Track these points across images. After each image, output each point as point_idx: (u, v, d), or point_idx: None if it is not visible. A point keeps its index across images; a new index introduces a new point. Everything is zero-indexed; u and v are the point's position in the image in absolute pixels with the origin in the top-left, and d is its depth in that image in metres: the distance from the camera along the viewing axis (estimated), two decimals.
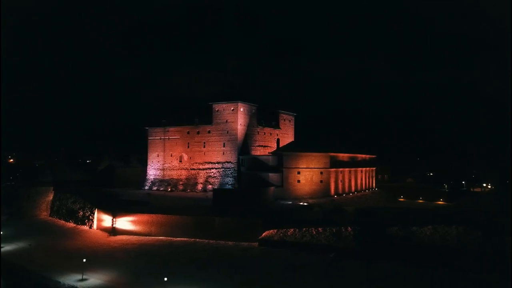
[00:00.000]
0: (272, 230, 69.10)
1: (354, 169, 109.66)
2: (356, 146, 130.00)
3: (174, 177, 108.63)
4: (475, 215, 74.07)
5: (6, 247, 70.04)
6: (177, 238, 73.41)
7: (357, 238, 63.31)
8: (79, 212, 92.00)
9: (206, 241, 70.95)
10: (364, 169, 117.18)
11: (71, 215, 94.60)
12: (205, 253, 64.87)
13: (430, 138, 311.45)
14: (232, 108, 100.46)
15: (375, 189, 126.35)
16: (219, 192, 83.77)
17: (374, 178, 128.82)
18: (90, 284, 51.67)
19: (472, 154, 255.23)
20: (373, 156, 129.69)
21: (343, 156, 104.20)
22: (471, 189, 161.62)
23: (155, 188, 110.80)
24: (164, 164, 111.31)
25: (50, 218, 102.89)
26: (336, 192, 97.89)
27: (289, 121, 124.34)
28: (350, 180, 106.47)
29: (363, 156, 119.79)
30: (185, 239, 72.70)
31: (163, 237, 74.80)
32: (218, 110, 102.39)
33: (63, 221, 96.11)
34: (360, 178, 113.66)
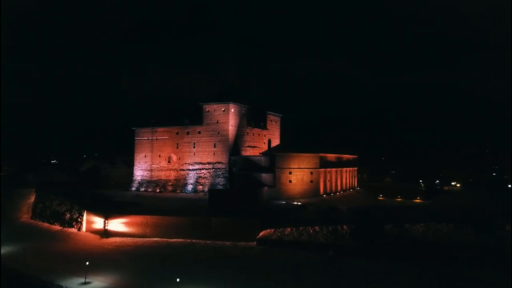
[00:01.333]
0: (269, 230, 70.22)
1: (340, 169, 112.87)
2: (339, 146, 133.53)
3: (163, 178, 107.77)
4: (461, 213, 78.39)
5: None
6: (173, 239, 73.10)
7: (354, 236, 65.68)
8: (66, 214, 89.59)
9: (203, 241, 71.06)
10: (348, 169, 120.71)
11: (56, 218, 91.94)
12: (206, 253, 65.18)
13: (405, 138, 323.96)
14: (223, 109, 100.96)
15: (357, 188, 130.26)
16: (215, 192, 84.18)
17: (356, 178, 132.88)
18: (95, 287, 51.05)
19: (441, 154, 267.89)
20: (355, 156, 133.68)
21: (331, 156, 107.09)
22: (444, 188, 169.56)
23: (142, 189, 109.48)
24: (152, 164, 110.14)
25: (33, 221, 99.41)
26: (325, 192, 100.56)
27: (276, 122, 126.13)
28: (336, 180, 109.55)
29: (348, 156, 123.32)
30: (182, 240, 72.52)
31: (158, 239, 74.26)
32: (208, 110, 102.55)
33: (48, 224, 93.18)
34: (345, 178, 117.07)
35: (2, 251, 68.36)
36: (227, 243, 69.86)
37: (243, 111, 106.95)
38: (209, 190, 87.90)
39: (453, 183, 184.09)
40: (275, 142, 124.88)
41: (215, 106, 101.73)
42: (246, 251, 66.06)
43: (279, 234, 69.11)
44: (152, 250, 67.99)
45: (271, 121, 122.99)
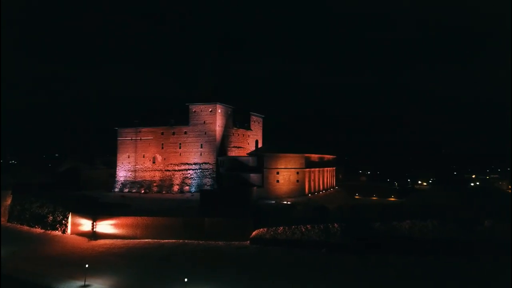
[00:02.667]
0: (262, 229, 71.71)
1: (322, 169, 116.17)
2: (319, 147, 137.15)
3: (147, 179, 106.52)
4: (438, 210, 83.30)
5: None
6: (165, 240, 72.99)
7: (345, 234, 68.51)
8: (49, 217, 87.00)
9: (196, 242, 71.51)
10: (329, 169, 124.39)
11: (37, 220, 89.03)
12: (201, 253, 65.71)
13: (373, 138, 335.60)
14: (210, 110, 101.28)
15: (336, 187, 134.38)
16: (207, 193, 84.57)
17: (334, 178, 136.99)
18: None
19: (407, 154, 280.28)
20: (334, 156, 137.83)
21: (314, 156, 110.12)
22: (414, 187, 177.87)
23: (126, 190, 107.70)
24: (136, 165, 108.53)
25: (10, 224, 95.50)
26: (310, 191, 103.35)
27: (258, 122, 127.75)
28: (319, 180, 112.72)
29: (328, 156, 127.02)
30: (174, 240, 72.62)
31: (150, 240, 73.93)
32: (195, 111, 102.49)
33: (27, 227, 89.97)
34: (326, 178, 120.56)
35: None
36: (220, 243, 70.72)
37: (229, 112, 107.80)
38: (200, 190, 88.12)
39: (419, 182, 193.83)
40: (259, 142, 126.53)
41: (202, 106, 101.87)
42: (241, 250, 67.21)
43: (272, 233, 70.76)
44: (146, 251, 67.69)
45: (254, 122, 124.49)
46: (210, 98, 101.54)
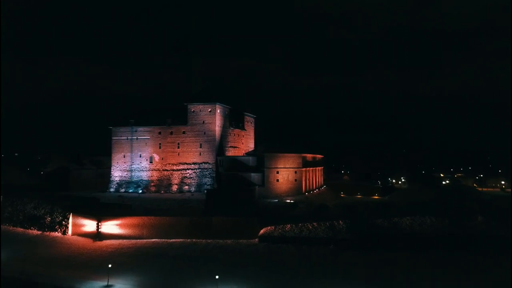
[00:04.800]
0: (269, 227, 73.44)
1: (315, 168, 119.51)
2: (309, 147, 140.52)
3: (144, 178, 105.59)
4: (423, 206, 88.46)
5: None
6: (172, 240, 73.25)
7: (350, 230, 71.55)
8: (46, 218, 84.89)
9: (204, 241, 72.15)
10: (319, 168, 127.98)
11: (33, 222, 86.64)
12: (213, 252, 66.72)
13: (347, 138, 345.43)
14: (209, 110, 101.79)
15: (324, 186, 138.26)
16: (212, 192, 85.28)
17: (323, 177, 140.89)
18: None
19: (382, 154, 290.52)
20: (322, 156, 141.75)
21: (309, 156, 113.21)
22: (394, 186, 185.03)
23: (122, 190, 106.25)
24: (132, 165, 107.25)
25: (1, 225, 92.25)
26: (306, 190, 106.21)
27: (251, 123, 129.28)
28: (312, 179, 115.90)
29: (319, 156, 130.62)
30: (181, 240, 72.93)
31: (157, 239, 73.94)
32: (194, 111, 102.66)
33: (22, 229, 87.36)
34: (317, 177, 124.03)
35: None
36: (229, 241, 71.78)
37: (226, 112, 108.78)
38: (206, 190, 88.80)
39: (393, 181, 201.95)
40: (251, 142, 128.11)
41: (201, 106, 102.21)
42: (251, 248, 68.61)
43: (280, 231, 72.66)
44: (157, 251, 67.84)
45: (247, 122, 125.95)
46: (209, 98, 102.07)
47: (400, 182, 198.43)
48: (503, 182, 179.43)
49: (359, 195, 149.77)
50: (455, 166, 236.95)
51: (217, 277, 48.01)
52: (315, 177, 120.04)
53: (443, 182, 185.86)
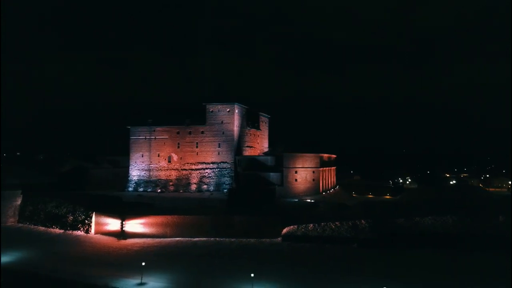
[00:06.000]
0: (292, 226, 74.07)
1: (330, 168, 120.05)
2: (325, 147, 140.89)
3: (163, 178, 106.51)
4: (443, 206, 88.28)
5: (4, 258, 62.47)
6: (196, 238, 74.03)
7: (373, 229, 72.00)
8: (68, 217, 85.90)
9: (227, 239, 73.00)
10: (333, 168, 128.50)
11: (55, 220, 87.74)
12: (239, 250, 67.32)
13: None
14: (228, 110, 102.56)
15: (337, 186, 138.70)
16: (235, 191, 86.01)
17: (335, 176, 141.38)
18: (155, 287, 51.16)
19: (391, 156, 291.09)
20: (335, 156, 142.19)
21: (325, 156, 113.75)
22: (403, 186, 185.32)
23: (141, 189, 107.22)
24: (150, 164, 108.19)
25: (21, 224, 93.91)
26: (323, 189, 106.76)
27: (265, 123, 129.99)
28: (328, 178, 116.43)
29: (333, 156, 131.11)
30: (205, 238, 73.68)
31: (181, 238, 74.76)
32: (212, 111, 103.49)
33: (43, 227, 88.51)
34: (332, 176, 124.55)
35: (14, 258, 64.18)
36: (252, 240, 72.48)
37: (243, 112, 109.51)
38: (228, 189, 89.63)
39: (401, 181, 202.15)
40: (266, 142, 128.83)
41: (219, 106, 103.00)
42: (275, 247, 69.22)
43: (303, 230, 73.27)
44: (182, 250, 68.56)
45: (262, 122, 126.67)
46: (228, 98, 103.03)
47: (407, 182, 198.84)
48: (510, 182, 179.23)
49: (370, 194, 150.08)
50: (458, 167, 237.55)
51: (252, 275, 48.50)
52: (330, 177, 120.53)
53: (450, 182, 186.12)
